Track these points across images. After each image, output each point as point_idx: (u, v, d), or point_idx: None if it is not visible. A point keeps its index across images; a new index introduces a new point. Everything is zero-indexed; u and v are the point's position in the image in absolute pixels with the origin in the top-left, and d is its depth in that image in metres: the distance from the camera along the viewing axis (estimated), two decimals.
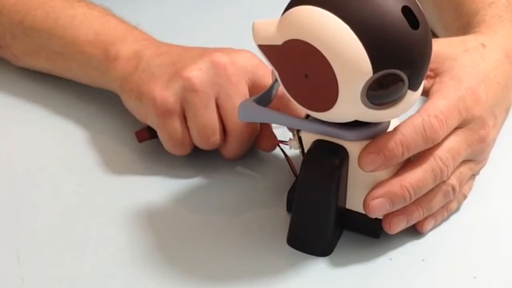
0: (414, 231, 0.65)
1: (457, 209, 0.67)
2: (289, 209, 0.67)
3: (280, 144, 0.70)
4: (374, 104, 0.59)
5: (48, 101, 0.81)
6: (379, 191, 0.62)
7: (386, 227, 0.63)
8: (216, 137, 0.69)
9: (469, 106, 0.64)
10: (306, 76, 0.59)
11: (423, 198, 0.63)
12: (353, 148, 0.62)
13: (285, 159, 0.70)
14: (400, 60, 0.57)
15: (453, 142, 0.63)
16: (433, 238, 0.65)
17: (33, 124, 0.77)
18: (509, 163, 0.72)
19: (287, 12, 0.60)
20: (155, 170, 0.72)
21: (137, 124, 0.73)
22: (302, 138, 0.64)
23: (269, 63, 0.62)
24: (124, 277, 0.63)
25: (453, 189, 0.64)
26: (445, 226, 0.66)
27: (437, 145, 0.62)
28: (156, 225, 0.67)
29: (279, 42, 0.60)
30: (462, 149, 0.64)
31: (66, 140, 0.76)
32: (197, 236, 0.66)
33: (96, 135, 0.76)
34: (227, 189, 0.70)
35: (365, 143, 0.61)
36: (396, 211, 0.63)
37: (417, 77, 0.59)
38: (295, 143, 0.65)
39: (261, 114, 0.66)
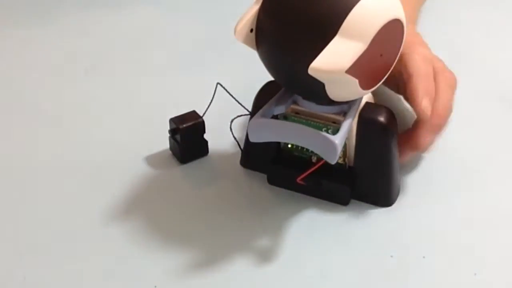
0: (415, 228, 0.66)
1: (458, 206, 0.68)
2: (245, 165, 0.70)
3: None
4: None
5: (48, 101, 0.82)
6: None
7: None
8: None
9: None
10: (381, 55, 0.60)
11: None
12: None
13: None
14: None
15: None
16: (433, 235, 0.66)
17: (33, 124, 0.78)
18: (509, 160, 0.73)
19: (351, 17, 0.58)
20: (156, 169, 0.72)
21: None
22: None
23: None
24: (125, 275, 0.63)
25: None
26: (445, 223, 0.67)
27: None
28: (158, 223, 0.67)
29: (363, 47, 0.58)
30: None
31: (67, 139, 0.77)
32: (198, 234, 0.66)
33: (96, 134, 0.77)
34: (227, 192, 0.70)
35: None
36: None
37: None
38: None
39: (275, 129, 0.63)
